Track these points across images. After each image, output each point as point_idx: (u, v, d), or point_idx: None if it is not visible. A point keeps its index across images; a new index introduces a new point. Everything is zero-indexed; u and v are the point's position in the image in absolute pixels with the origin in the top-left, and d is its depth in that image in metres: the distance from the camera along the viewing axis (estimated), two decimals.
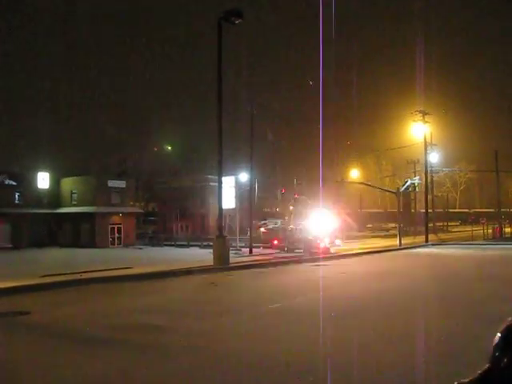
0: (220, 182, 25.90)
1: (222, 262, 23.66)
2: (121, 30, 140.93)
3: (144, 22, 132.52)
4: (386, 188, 68.24)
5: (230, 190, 25.46)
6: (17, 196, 57.06)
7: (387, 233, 68.87)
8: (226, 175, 25.23)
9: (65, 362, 7.98)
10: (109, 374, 7.32)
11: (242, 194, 52.78)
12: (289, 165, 77.97)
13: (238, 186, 51.55)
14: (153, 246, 58.27)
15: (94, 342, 9.30)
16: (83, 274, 21.56)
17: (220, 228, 25.70)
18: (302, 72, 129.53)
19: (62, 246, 55.61)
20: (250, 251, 38.60)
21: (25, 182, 57.39)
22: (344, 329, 9.78)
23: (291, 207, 67.18)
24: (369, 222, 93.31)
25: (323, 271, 21.68)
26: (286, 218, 68.19)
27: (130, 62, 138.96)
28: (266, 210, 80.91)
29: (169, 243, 58.39)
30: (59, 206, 60.19)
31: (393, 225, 72.95)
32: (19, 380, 7.06)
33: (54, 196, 59.99)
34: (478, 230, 56.64)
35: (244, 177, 53.90)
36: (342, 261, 27.25)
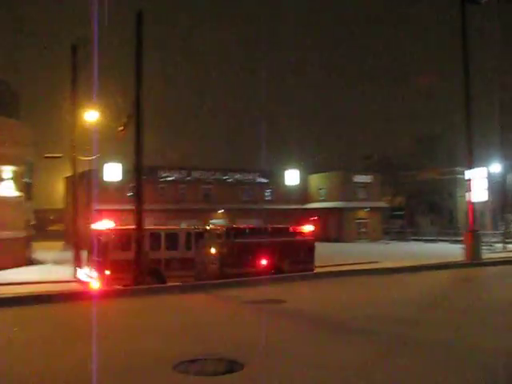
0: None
1: (473, 258, 22.56)
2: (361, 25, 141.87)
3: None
4: None
5: (480, 181, 23.55)
6: (268, 193, 60.69)
7: None
8: (475, 166, 23.89)
9: (320, 348, 8.25)
10: (365, 362, 7.39)
11: (494, 185, 49.58)
12: None
13: (490, 176, 48.51)
14: (399, 240, 57.72)
15: (347, 331, 9.48)
16: (332, 267, 22.27)
17: (471, 222, 24.48)
18: None
19: None
20: (504, 247, 36.39)
21: (275, 179, 60.70)
22: None
23: None
24: None
25: None
26: None
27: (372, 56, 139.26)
28: None
29: (416, 238, 57.41)
30: (307, 201, 62.52)
31: None
32: (276, 363, 7.46)
33: (303, 192, 62.46)
34: None
35: (496, 168, 50.65)
36: None
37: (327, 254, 34.43)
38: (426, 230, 64.04)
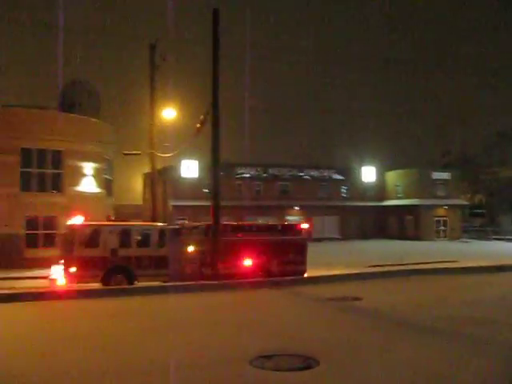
0: None
1: None
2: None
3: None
4: None
5: None
6: (344, 189, 60.22)
7: None
8: None
9: (395, 347, 8.13)
10: (439, 363, 7.22)
11: None
12: None
13: None
14: (480, 239, 56.04)
15: (423, 331, 9.30)
16: (408, 265, 21.84)
17: None
18: None
19: (386, 237, 56.79)
20: None
21: (351, 176, 60.11)
22: None
23: None
24: None
25: None
26: None
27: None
28: None
29: (497, 237, 55.61)
30: (384, 198, 61.58)
31: None
32: (352, 360, 7.39)
33: (379, 189, 61.55)
34: None
35: None
36: None
37: (404, 252, 33.81)
38: (507, 229, 61.82)
